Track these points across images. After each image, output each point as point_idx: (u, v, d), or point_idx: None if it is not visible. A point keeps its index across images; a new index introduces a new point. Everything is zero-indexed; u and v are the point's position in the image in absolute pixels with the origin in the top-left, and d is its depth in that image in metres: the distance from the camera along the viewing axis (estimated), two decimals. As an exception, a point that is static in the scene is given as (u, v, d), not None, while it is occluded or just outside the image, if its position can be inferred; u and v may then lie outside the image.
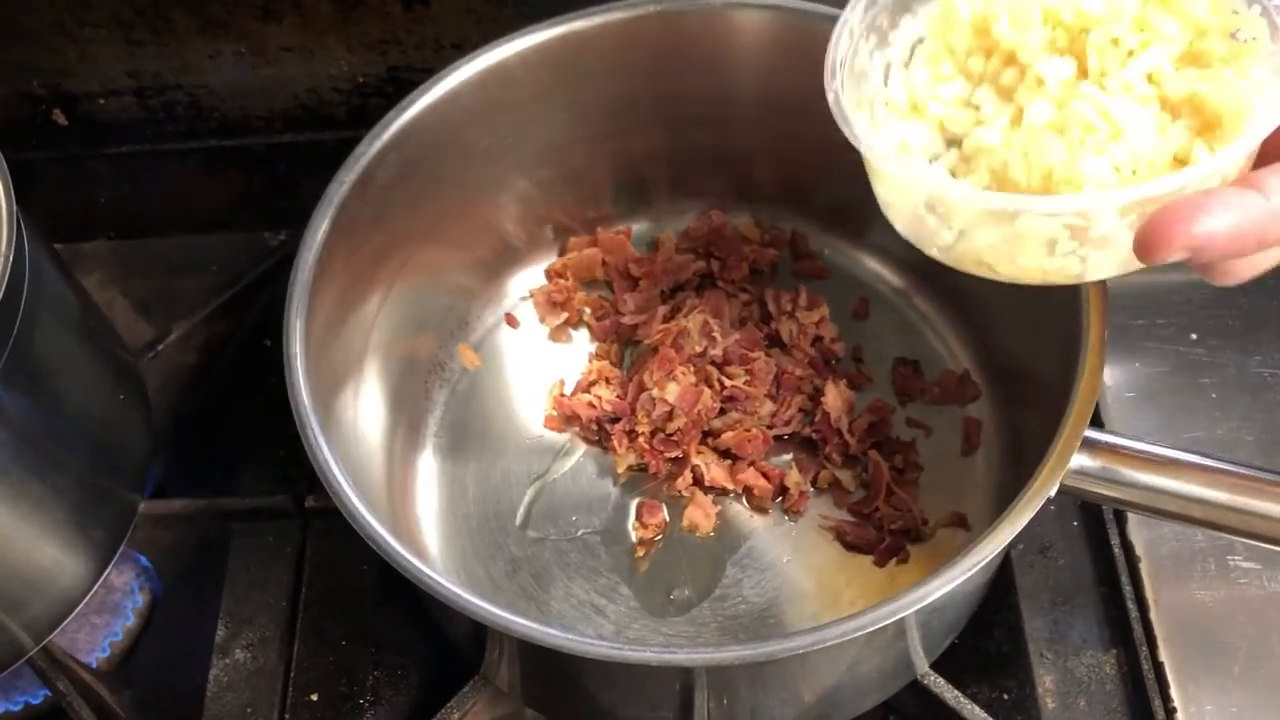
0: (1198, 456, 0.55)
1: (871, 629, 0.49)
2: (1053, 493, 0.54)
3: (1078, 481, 0.55)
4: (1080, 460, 0.54)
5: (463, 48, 0.70)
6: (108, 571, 0.68)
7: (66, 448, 0.64)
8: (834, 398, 0.71)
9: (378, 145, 0.65)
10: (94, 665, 0.73)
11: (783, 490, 0.70)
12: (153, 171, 0.83)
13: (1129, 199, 0.44)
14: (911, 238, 0.52)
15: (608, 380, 0.75)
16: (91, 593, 0.67)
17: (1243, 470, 0.54)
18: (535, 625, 0.50)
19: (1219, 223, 0.43)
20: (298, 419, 0.57)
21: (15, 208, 0.56)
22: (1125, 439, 0.55)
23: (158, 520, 0.74)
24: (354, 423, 0.66)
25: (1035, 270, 0.49)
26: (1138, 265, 0.47)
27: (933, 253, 0.51)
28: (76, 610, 0.67)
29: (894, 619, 0.50)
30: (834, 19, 0.65)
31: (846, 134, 0.50)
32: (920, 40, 0.55)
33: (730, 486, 0.70)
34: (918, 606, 0.50)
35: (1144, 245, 0.44)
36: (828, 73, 0.53)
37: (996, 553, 0.52)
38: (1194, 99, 0.47)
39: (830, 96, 0.52)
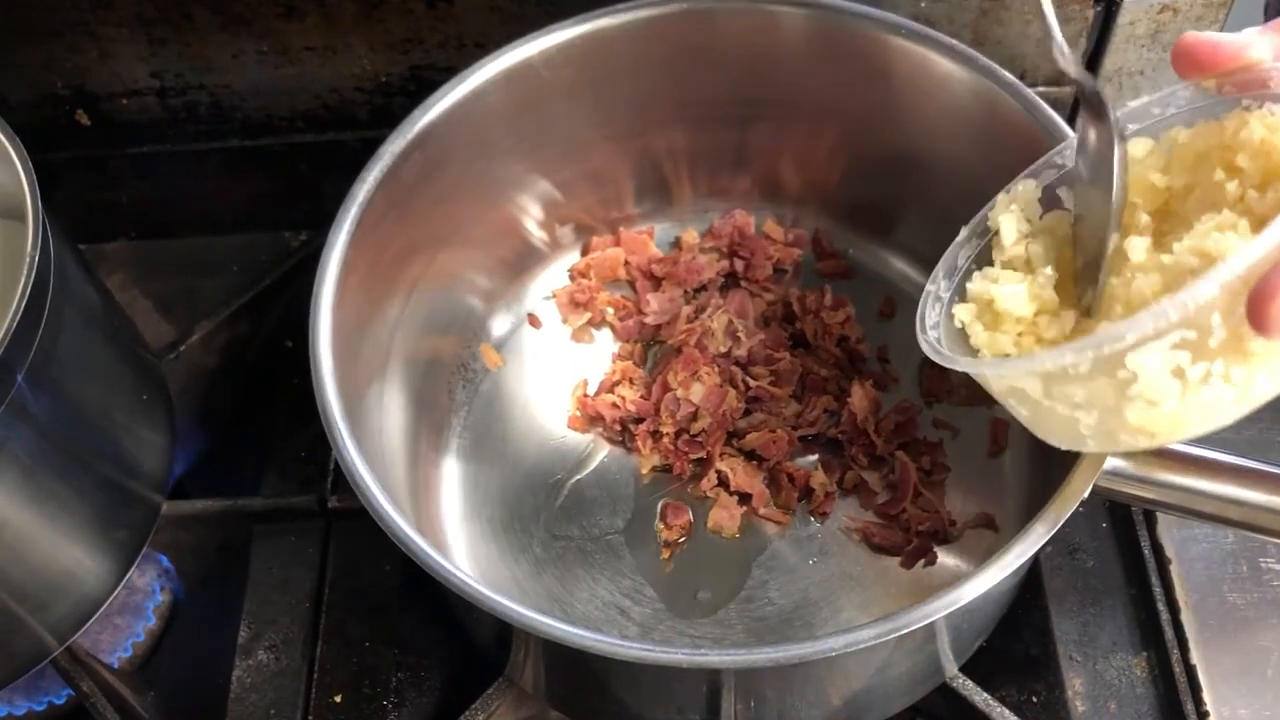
0: (1232, 457, 0.54)
1: (904, 631, 0.49)
2: (1087, 494, 0.53)
3: (1111, 482, 0.54)
4: (1114, 461, 0.54)
5: (486, 46, 0.70)
6: (131, 572, 0.68)
7: (90, 449, 0.64)
8: (860, 398, 0.70)
9: (401, 144, 0.64)
10: (116, 666, 0.73)
11: (808, 492, 0.70)
12: (175, 172, 0.83)
13: (1214, 284, 0.41)
14: (1070, 443, 0.50)
15: (631, 381, 0.74)
16: (115, 594, 0.67)
17: (1278, 471, 0.53)
18: (565, 626, 0.50)
19: None
20: (325, 421, 0.57)
21: (41, 208, 0.56)
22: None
23: (180, 521, 0.74)
24: (379, 424, 0.66)
25: (1196, 414, 0.45)
26: None
27: (1091, 445, 0.49)
28: (100, 611, 0.67)
29: (927, 621, 0.49)
30: (865, 17, 0.66)
31: (961, 368, 0.51)
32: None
33: (754, 493, 0.69)
34: (951, 609, 0.49)
35: (1254, 315, 0.41)
36: (919, 328, 0.54)
37: (1032, 555, 0.52)
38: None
39: (926, 347, 0.53)
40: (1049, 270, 0.53)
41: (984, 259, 0.56)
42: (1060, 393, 0.47)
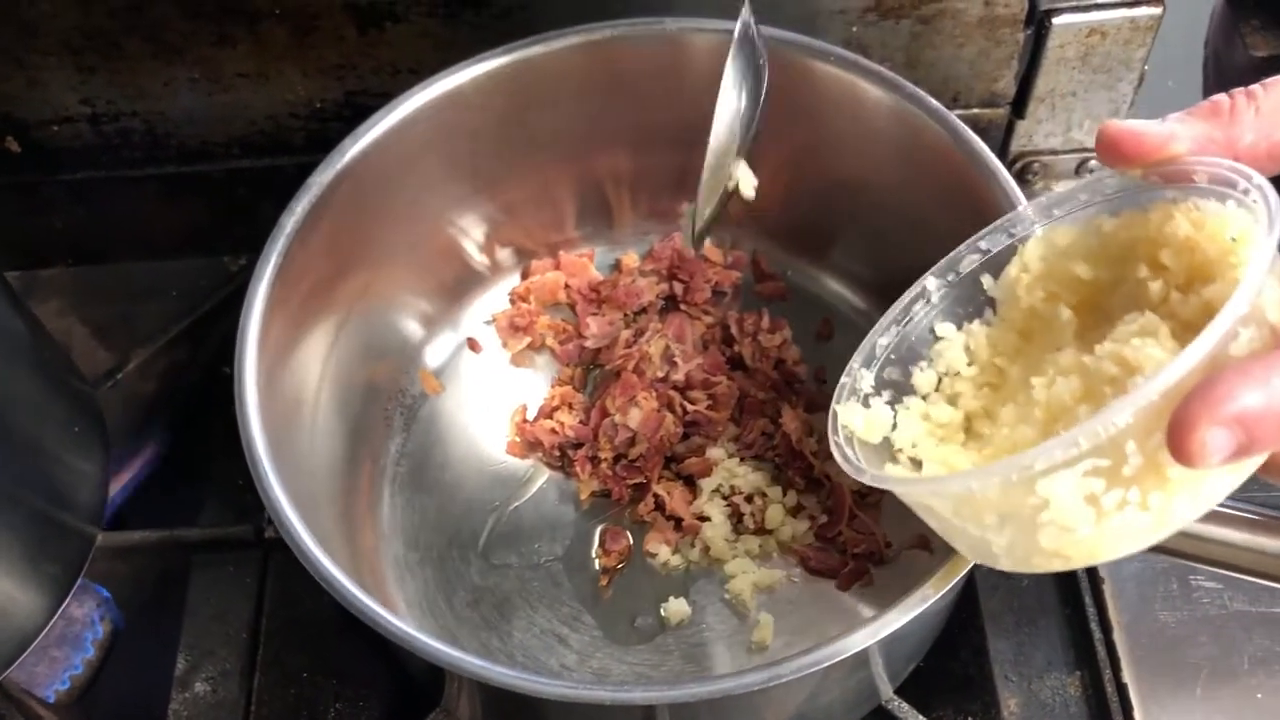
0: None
1: (828, 663, 0.49)
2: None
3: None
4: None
5: (420, 72, 0.70)
6: (64, 606, 0.67)
7: (18, 483, 0.63)
8: (791, 420, 0.70)
9: (330, 175, 0.64)
10: (52, 699, 0.72)
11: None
12: (110, 198, 0.82)
13: (1127, 412, 0.39)
14: (983, 559, 0.49)
15: (570, 406, 0.74)
16: (48, 628, 0.66)
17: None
18: (488, 665, 0.50)
19: (1248, 398, 0.38)
20: (248, 453, 0.56)
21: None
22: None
23: (117, 552, 0.73)
24: (310, 453, 0.65)
25: (1110, 540, 0.43)
26: (1223, 491, 0.43)
27: (1004, 565, 0.47)
28: (32, 646, 0.66)
29: (851, 653, 0.50)
30: (793, 45, 0.66)
31: (868, 481, 0.50)
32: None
33: (689, 519, 0.69)
34: (875, 639, 0.50)
35: (1175, 446, 0.38)
36: (831, 428, 0.53)
37: (956, 581, 0.52)
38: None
39: (836, 452, 0.52)
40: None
41: (905, 348, 0.56)
42: (970, 514, 0.46)
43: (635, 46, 0.69)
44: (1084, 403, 0.46)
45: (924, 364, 0.56)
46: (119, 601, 0.75)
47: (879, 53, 0.74)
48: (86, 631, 0.74)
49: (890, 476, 0.51)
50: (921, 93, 0.64)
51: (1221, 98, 0.46)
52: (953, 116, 0.63)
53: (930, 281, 0.56)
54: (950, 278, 0.56)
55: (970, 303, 0.55)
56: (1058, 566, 0.45)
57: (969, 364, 0.55)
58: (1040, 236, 0.53)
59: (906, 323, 0.56)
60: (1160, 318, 0.45)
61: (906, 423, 0.54)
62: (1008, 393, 0.53)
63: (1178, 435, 0.38)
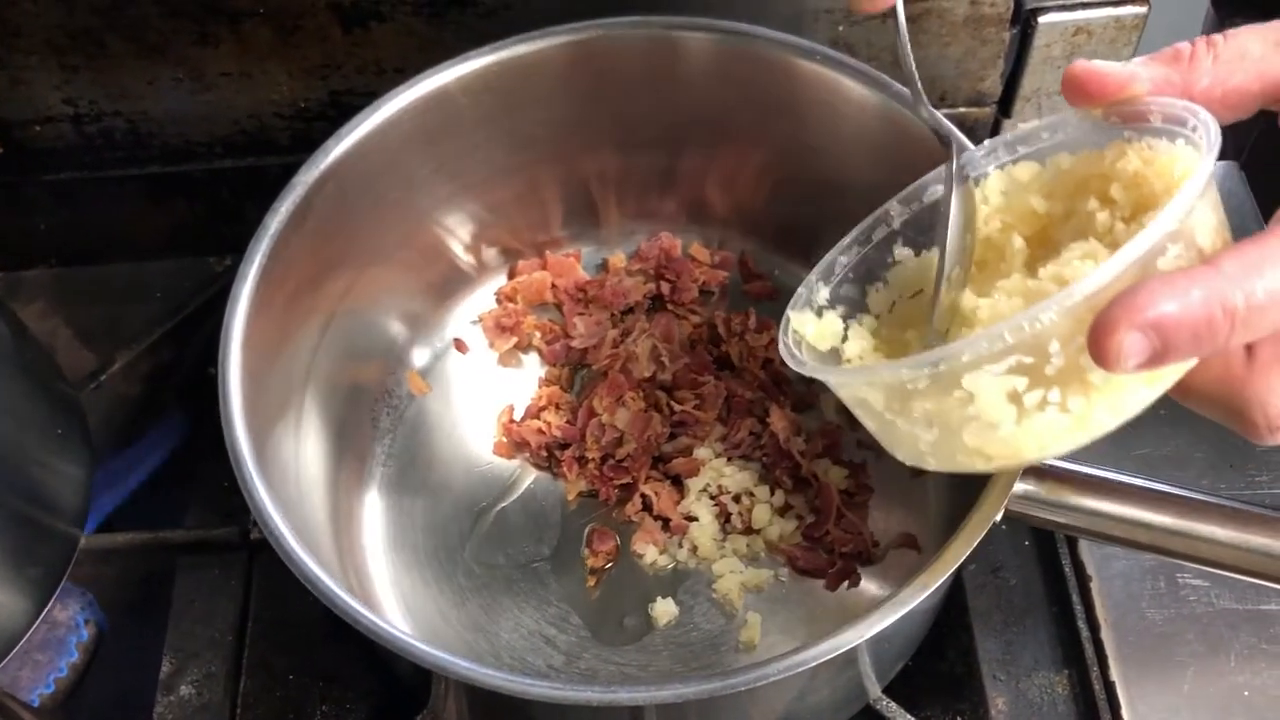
0: (1143, 481, 0.55)
1: (815, 663, 0.49)
2: (998, 518, 0.54)
3: (1023, 506, 0.55)
4: (1025, 486, 0.54)
5: (405, 71, 0.69)
6: (47, 610, 0.66)
7: (0, 486, 0.62)
8: (778, 419, 0.70)
9: (315, 174, 0.64)
10: (37, 703, 0.71)
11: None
12: (93, 198, 0.82)
13: (1051, 310, 0.41)
14: (913, 459, 0.50)
15: (557, 406, 0.74)
16: (30, 632, 0.65)
17: (1187, 494, 0.54)
18: (475, 666, 0.50)
19: (1166, 305, 0.39)
20: (233, 457, 0.56)
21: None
22: (1070, 464, 0.55)
23: (101, 554, 0.73)
24: (295, 455, 0.65)
25: (1032, 441, 0.45)
26: (1140, 403, 0.44)
27: (931, 463, 0.49)
28: (14, 650, 0.65)
29: (839, 652, 0.49)
30: (778, 43, 0.66)
31: (807, 373, 0.51)
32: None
33: (677, 519, 0.69)
34: (861, 639, 0.49)
35: (1094, 347, 0.40)
36: (782, 330, 0.55)
37: (942, 581, 0.52)
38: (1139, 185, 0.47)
39: (782, 349, 0.53)
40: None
41: (864, 269, 0.57)
42: (901, 408, 0.47)
43: (622, 45, 0.68)
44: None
45: (880, 285, 0.57)
46: (103, 604, 0.75)
47: (865, 52, 0.74)
48: (70, 635, 0.73)
49: (828, 368, 0.53)
50: (908, 92, 0.64)
51: (1183, 44, 0.48)
52: (940, 116, 0.63)
53: (894, 207, 0.57)
54: (914, 206, 0.57)
55: (930, 230, 0.57)
56: (980, 466, 0.47)
57: (920, 290, 0.56)
58: (1003, 171, 0.54)
59: (867, 244, 0.57)
60: (1104, 246, 0.47)
61: (857, 336, 0.56)
62: (958, 316, 0.54)
63: (1097, 336, 0.40)
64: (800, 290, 0.56)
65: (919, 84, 0.56)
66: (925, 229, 0.57)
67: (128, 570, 0.76)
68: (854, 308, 0.57)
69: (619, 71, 0.70)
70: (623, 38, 0.68)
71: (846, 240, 0.57)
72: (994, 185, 0.54)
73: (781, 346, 0.53)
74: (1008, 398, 0.43)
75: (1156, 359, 0.40)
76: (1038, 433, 0.44)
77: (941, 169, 0.56)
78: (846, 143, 0.68)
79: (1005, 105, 0.78)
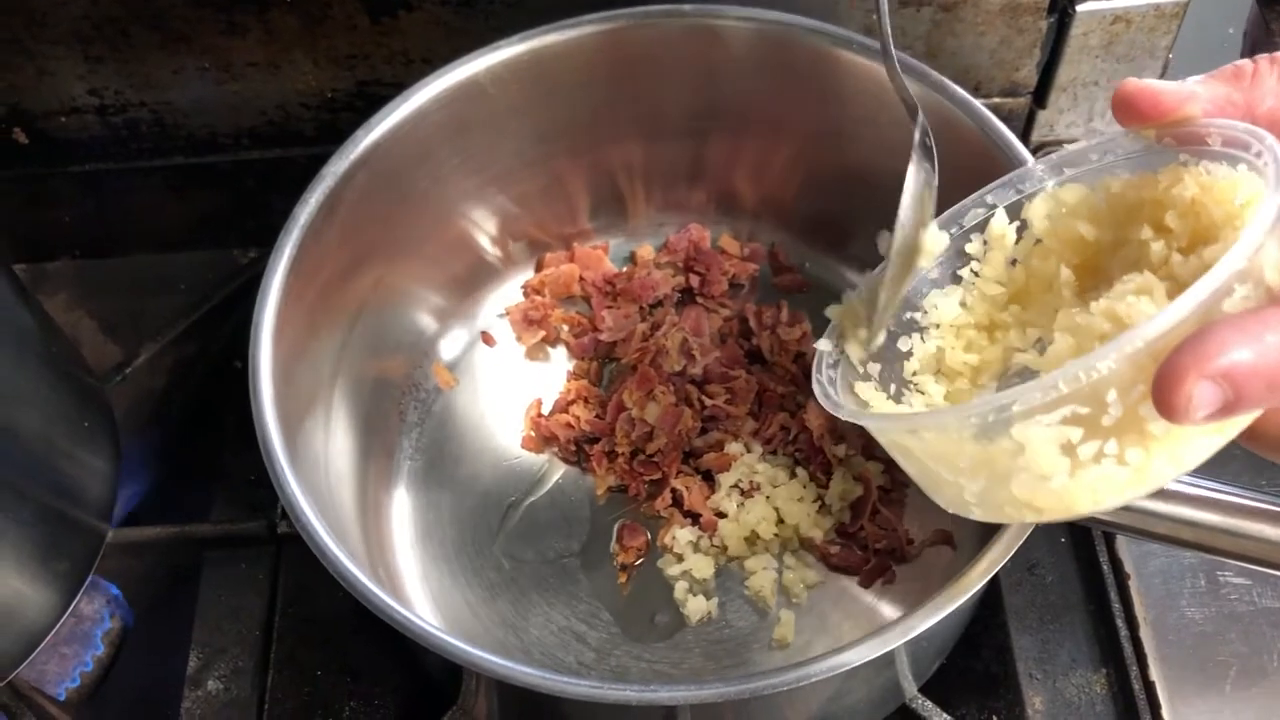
0: (1187, 480, 0.53)
1: (859, 663, 0.48)
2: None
3: (1066, 505, 0.54)
4: (1068, 483, 0.53)
5: (433, 61, 0.69)
6: (74, 603, 0.66)
7: (28, 478, 0.62)
8: (815, 415, 0.69)
9: (344, 165, 0.63)
10: (63, 697, 0.71)
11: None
12: (118, 190, 0.81)
13: (1110, 358, 0.38)
14: (956, 507, 0.48)
15: (586, 400, 0.73)
16: (58, 626, 0.65)
17: (1231, 493, 0.53)
18: (512, 664, 0.49)
19: (1238, 353, 0.36)
20: (264, 450, 0.55)
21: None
22: (1113, 462, 0.54)
23: (127, 548, 0.72)
24: (325, 448, 0.64)
25: (1085, 494, 0.42)
26: (1203, 454, 0.41)
27: (977, 514, 0.46)
28: (42, 644, 0.65)
29: (883, 652, 0.49)
30: (815, 31, 0.65)
31: (844, 417, 0.49)
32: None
33: (708, 515, 0.68)
34: (904, 639, 0.49)
35: (1160, 398, 0.37)
36: (815, 368, 0.53)
37: (985, 582, 0.51)
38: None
39: (816, 389, 0.51)
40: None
41: (904, 297, 0.55)
42: (944, 457, 0.44)
43: (654, 34, 0.67)
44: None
45: (919, 315, 0.55)
46: (130, 598, 0.74)
47: (899, 41, 0.72)
48: (97, 629, 0.73)
49: (867, 413, 0.51)
50: (947, 81, 0.63)
51: (1244, 62, 0.45)
52: (979, 105, 0.62)
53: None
54: (954, 230, 0.55)
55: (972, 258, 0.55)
56: (1029, 518, 0.44)
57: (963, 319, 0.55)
58: (1048, 194, 0.51)
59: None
60: (1159, 279, 0.44)
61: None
62: (1001, 350, 0.53)
63: (1163, 386, 0.37)
64: (832, 324, 0.55)
65: (891, 42, 0.55)
66: (966, 255, 0.55)
67: (154, 564, 0.75)
68: (892, 339, 0.55)
69: (649, 61, 0.69)
70: (654, 26, 0.67)
71: (881, 267, 0.55)
72: (1039, 209, 0.51)
73: (815, 385, 0.51)
74: (1061, 449, 0.41)
75: (1228, 410, 0.37)
76: (1092, 485, 0.42)
77: (980, 192, 0.54)
78: (881, 132, 0.67)
79: (1040, 96, 0.77)
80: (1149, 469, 0.41)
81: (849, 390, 0.52)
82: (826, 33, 0.65)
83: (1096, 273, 0.50)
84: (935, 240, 0.54)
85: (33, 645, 0.64)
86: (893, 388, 0.54)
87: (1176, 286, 0.44)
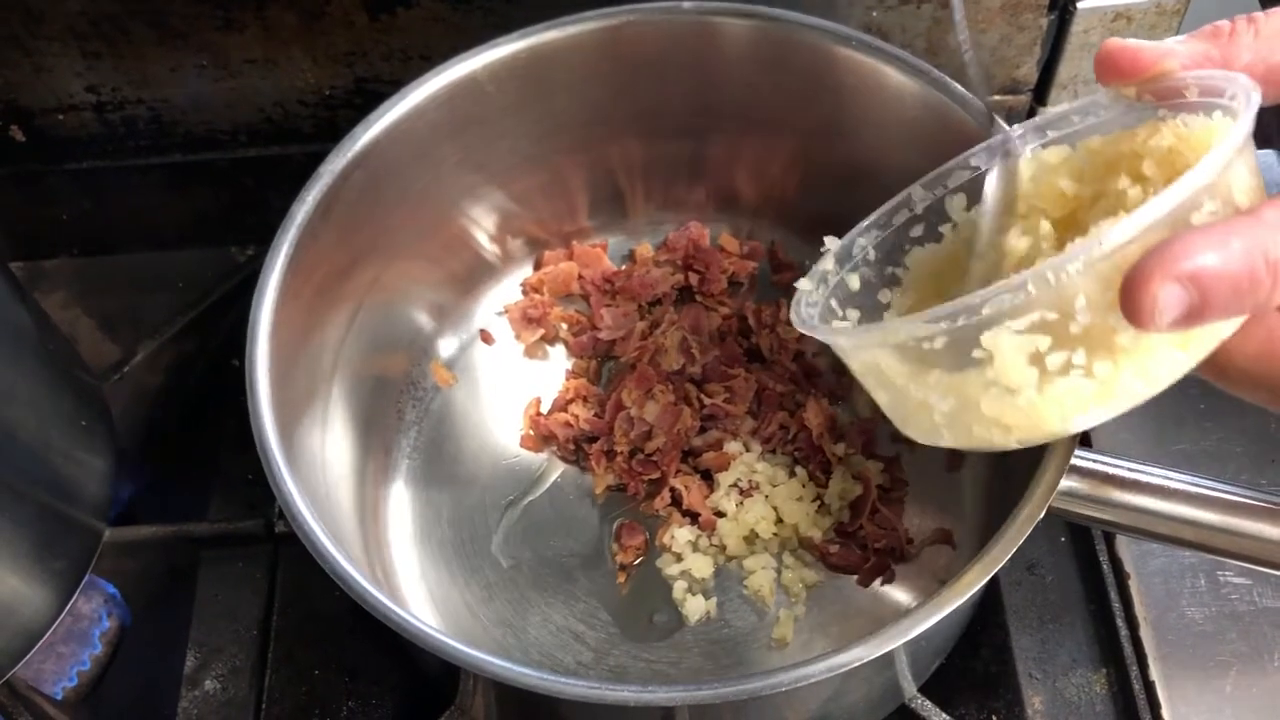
0: (1187, 479, 0.53)
1: (858, 663, 0.48)
2: (1041, 516, 0.52)
3: (1065, 504, 0.54)
4: (1069, 483, 0.53)
5: (432, 58, 0.68)
6: (71, 603, 0.66)
7: (24, 478, 0.62)
8: (814, 414, 0.69)
9: (342, 163, 0.63)
10: (60, 696, 0.71)
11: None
12: (115, 187, 0.81)
13: (1079, 259, 0.38)
14: (927, 435, 0.48)
15: (585, 398, 0.73)
16: (55, 625, 0.65)
17: (1231, 491, 0.53)
18: (507, 664, 0.49)
19: (1204, 257, 0.37)
20: (260, 449, 0.55)
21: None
22: (1114, 461, 0.54)
23: (125, 547, 0.72)
24: (322, 447, 0.64)
25: (1053, 409, 0.42)
26: (1172, 371, 0.42)
27: (946, 438, 0.46)
28: (39, 644, 0.65)
29: (883, 652, 0.48)
30: (814, 28, 0.65)
31: (818, 336, 0.50)
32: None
33: (706, 514, 0.68)
34: (904, 639, 0.48)
35: (1126, 300, 0.38)
36: (795, 303, 0.53)
37: (986, 580, 0.51)
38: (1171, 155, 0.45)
39: (792, 314, 0.52)
40: None
41: (885, 250, 0.55)
42: (916, 372, 0.45)
43: (654, 31, 0.67)
44: None
45: (900, 269, 0.56)
46: (127, 597, 0.74)
47: (899, 38, 0.73)
48: (94, 628, 0.73)
49: (840, 328, 0.51)
50: (947, 78, 0.63)
51: (1223, 21, 0.46)
52: (979, 102, 0.62)
53: (916, 191, 0.55)
54: (937, 191, 0.55)
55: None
56: (998, 440, 0.44)
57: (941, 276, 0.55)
58: (1031, 156, 0.52)
59: (887, 228, 0.56)
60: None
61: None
62: None
63: (1130, 289, 0.38)
64: (815, 268, 0.55)
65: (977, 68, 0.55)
66: (948, 216, 0.55)
67: (151, 563, 0.75)
68: (871, 292, 0.56)
69: (649, 58, 0.69)
70: (654, 24, 0.67)
71: (864, 224, 0.56)
72: (1023, 171, 0.52)
73: (792, 314, 0.52)
74: (1029, 359, 0.41)
75: (1194, 315, 0.38)
76: (1060, 400, 0.42)
77: (966, 154, 0.55)
78: (881, 129, 0.67)
79: (1041, 93, 0.77)
80: (1117, 383, 0.41)
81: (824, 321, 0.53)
82: (826, 30, 0.65)
83: (1075, 227, 0.50)
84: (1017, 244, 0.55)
85: (30, 644, 0.64)
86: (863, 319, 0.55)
87: None
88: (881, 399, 0.49)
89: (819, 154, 0.72)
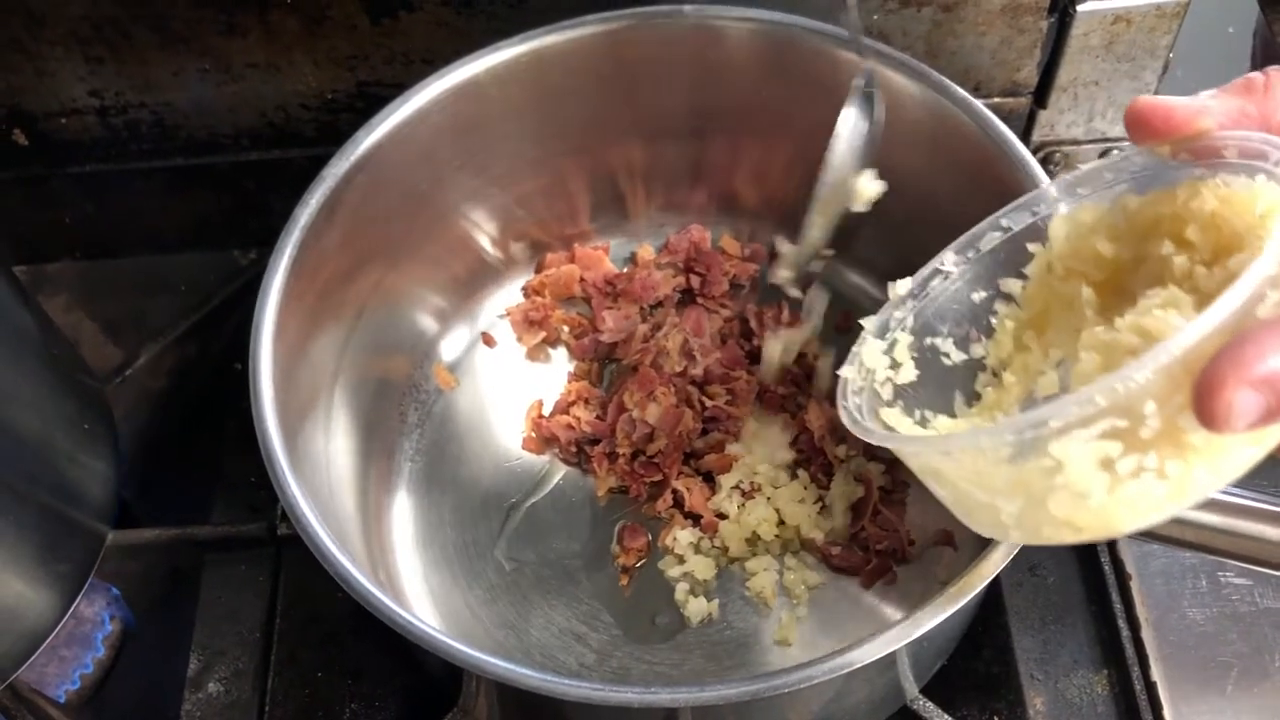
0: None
1: (861, 664, 0.48)
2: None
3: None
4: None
5: (434, 62, 0.68)
6: (74, 605, 0.66)
7: (29, 479, 0.62)
8: (816, 416, 0.69)
9: (345, 166, 0.63)
10: (63, 699, 0.71)
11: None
12: (118, 191, 0.81)
13: (1147, 369, 0.37)
14: (992, 530, 0.47)
15: (587, 401, 0.73)
16: (58, 628, 0.65)
17: (1232, 493, 0.53)
18: (511, 666, 0.49)
19: (1278, 359, 0.36)
20: (264, 452, 0.55)
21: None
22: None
23: (127, 550, 0.72)
24: (325, 450, 0.64)
25: (1125, 510, 0.41)
26: (1244, 464, 0.41)
27: (1015, 536, 0.45)
28: (43, 646, 0.65)
29: (886, 653, 0.48)
30: (814, 32, 0.65)
31: (876, 442, 0.48)
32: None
33: (708, 516, 0.68)
34: (907, 640, 0.48)
35: (1200, 407, 0.37)
36: (840, 393, 0.51)
37: (987, 582, 0.51)
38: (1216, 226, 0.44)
39: (844, 415, 0.50)
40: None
41: (923, 322, 0.54)
42: (979, 477, 0.43)
43: (656, 35, 0.67)
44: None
45: (939, 340, 0.54)
46: (130, 600, 0.74)
47: (900, 41, 0.73)
48: (96, 630, 0.73)
49: (899, 436, 0.50)
50: (948, 81, 0.63)
51: (1255, 75, 0.45)
52: (980, 105, 0.62)
53: (949, 257, 0.54)
54: (970, 254, 0.54)
55: (988, 281, 0.54)
56: (1069, 538, 0.43)
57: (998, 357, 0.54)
58: (1065, 215, 0.51)
59: (923, 297, 0.54)
60: (1185, 292, 0.44)
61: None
62: (1025, 372, 0.52)
63: (1204, 395, 0.37)
64: (854, 350, 0.53)
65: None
66: (983, 279, 0.54)
67: (154, 566, 0.76)
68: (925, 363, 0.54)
69: (651, 62, 0.69)
70: (655, 27, 0.67)
71: (901, 292, 0.54)
72: (1058, 231, 0.51)
73: (843, 414, 0.50)
74: (1099, 465, 0.40)
75: (1270, 416, 0.37)
76: (1132, 501, 0.41)
77: (996, 215, 0.53)
78: (884, 133, 0.67)
79: (1041, 96, 0.77)
80: (1189, 481, 0.41)
81: (875, 416, 0.51)
82: (827, 32, 0.65)
83: (1118, 292, 0.49)
84: (868, 186, 0.58)
85: (34, 646, 0.64)
86: (917, 413, 0.53)
87: (1203, 299, 0.43)
88: (943, 495, 0.48)
89: (820, 156, 0.72)
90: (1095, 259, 0.50)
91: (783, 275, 0.69)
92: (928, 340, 0.54)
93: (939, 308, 0.54)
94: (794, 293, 0.71)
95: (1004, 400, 0.53)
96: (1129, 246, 0.49)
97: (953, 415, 0.53)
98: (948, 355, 0.54)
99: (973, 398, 0.54)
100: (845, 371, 0.52)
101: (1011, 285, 0.53)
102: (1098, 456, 0.39)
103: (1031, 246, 0.52)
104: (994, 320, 0.54)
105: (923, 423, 0.53)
